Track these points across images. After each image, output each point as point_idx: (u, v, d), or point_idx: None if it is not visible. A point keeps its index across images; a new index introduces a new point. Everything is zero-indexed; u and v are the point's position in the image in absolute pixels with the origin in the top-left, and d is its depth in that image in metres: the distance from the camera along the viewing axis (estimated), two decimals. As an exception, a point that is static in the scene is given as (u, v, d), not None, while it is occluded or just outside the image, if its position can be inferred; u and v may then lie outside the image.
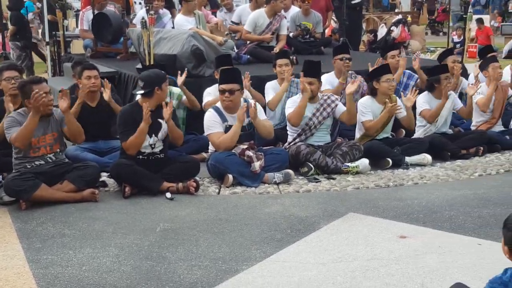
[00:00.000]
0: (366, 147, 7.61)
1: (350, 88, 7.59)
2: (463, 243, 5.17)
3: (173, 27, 10.61)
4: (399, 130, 8.53)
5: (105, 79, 7.92)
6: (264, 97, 8.26)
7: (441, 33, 27.73)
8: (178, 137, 6.93)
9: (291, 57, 8.87)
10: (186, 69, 8.25)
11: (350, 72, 8.65)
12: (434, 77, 8.26)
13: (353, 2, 15.29)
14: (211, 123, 7.06)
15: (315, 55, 10.96)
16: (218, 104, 7.18)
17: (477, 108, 8.62)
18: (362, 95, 8.30)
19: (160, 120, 6.74)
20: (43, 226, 5.70)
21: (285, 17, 11.25)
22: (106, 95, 7.60)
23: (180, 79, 7.99)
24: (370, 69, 8.49)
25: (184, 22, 10.20)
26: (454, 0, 27.86)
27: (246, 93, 7.75)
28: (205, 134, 7.24)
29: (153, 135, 6.72)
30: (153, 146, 6.76)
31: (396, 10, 28.62)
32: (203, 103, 7.93)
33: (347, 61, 8.57)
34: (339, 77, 8.64)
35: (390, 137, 8.15)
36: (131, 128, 6.65)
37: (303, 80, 7.55)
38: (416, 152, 7.78)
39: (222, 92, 7.06)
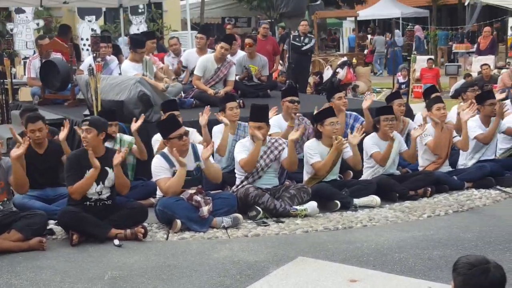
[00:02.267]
0: (314, 190, 7.63)
1: (293, 135, 7.57)
2: (413, 286, 5.19)
3: (120, 73, 10.57)
4: (347, 172, 8.58)
5: (66, 119, 7.85)
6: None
7: (372, 73, 27.81)
8: (124, 185, 6.85)
9: (237, 100, 8.95)
10: (142, 114, 8.18)
11: (298, 114, 8.70)
12: (376, 118, 8.36)
13: (303, 48, 15.53)
14: (159, 169, 7.03)
15: (261, 98, 11.05)
16: (165, 150, 7.15)
17: (426, 150, 8.72)
18: (308, 138, 8.34)
19: (107, 168, 6.70)
20: (-12, 277, 5.58)
21: (234, 64, 11.32)
22: (62, 135, 7.53)
23: (135, 126, 7.93)
24: (315, 112, 8.51)
25: (130, 69, 10.12)
26: (378, 41, 28.53)
27: (193, 138, 7.77)
28: (153, 180, 7.20)
29: (100, 182, 6.68)
30: (99, 193, 6.71)
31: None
32: (154, 151, 7.84)
33: (296, 103, 8.63)
34: (287, 119, 8.69)
35: (338, 179, 8.18)
36: (77, 172, 6.62)
37: (252, 125, 7.58)
38: (364, 194, 7.81)
39: (179, 137, 7.01)
